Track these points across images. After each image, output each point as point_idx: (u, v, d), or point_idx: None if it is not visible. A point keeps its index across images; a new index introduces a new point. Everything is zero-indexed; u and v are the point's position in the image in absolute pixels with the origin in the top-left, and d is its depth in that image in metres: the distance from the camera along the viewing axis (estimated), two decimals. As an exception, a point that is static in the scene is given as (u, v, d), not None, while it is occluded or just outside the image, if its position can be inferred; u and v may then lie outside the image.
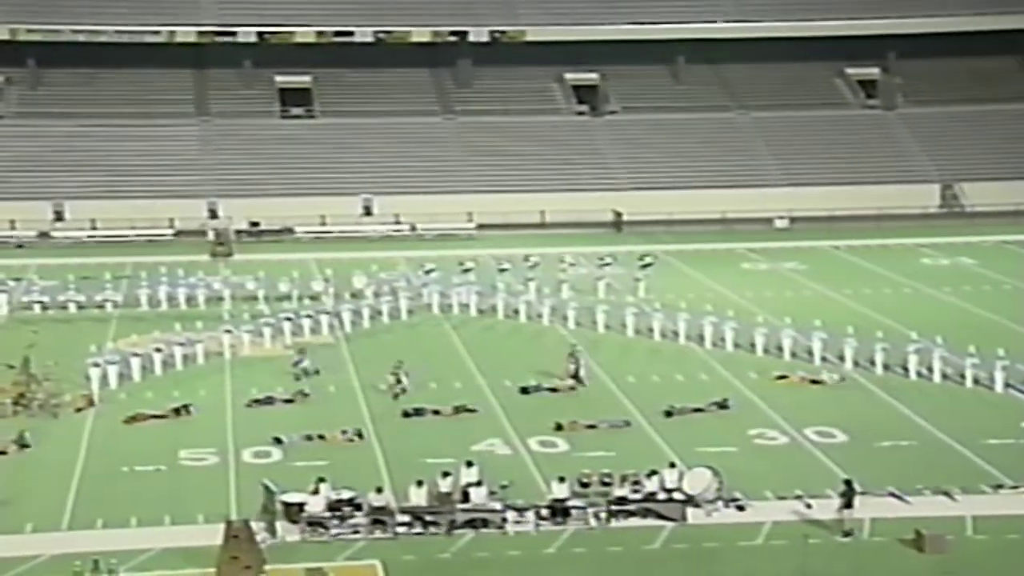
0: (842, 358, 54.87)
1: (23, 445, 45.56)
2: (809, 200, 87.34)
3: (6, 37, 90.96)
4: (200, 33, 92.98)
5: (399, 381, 47.34)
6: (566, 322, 61.55)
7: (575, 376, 51.53)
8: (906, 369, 53.70)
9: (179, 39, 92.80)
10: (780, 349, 56.39)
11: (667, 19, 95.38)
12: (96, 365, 52.13)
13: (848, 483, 38.68)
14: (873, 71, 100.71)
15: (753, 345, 56.98)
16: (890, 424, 48.00)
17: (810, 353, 55.63)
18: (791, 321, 57.97)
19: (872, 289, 69.33)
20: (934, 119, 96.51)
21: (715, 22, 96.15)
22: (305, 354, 53.50)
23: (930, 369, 53.36)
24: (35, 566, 36.13)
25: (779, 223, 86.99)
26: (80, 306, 64.08)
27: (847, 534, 37.86)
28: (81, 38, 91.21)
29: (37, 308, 63.99)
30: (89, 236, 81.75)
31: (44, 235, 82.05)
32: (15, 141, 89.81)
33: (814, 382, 53.02)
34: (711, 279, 71.22)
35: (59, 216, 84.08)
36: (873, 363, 54.16)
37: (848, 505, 38.21)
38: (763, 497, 40.54)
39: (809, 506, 39.76)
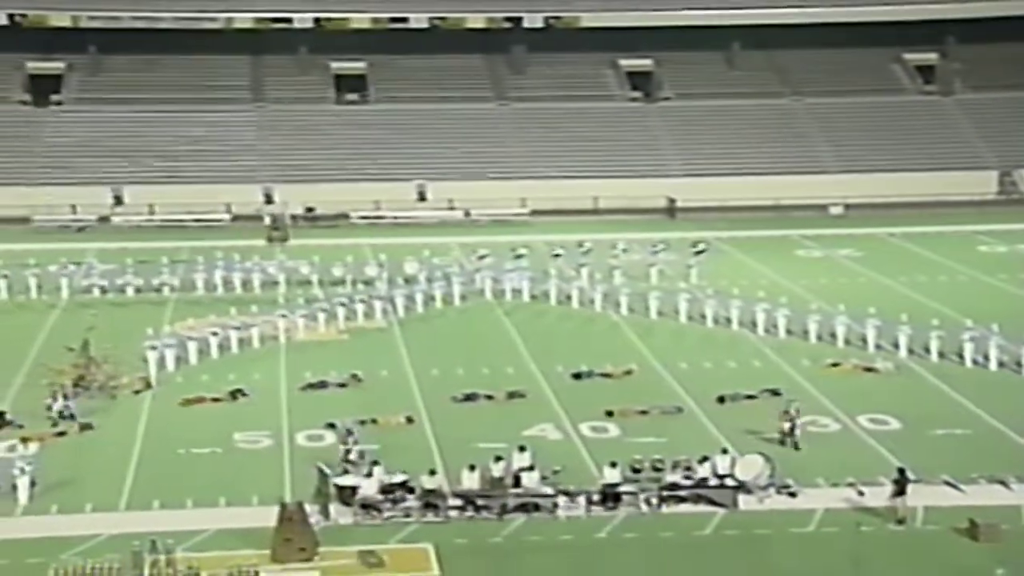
0: (896, 346, 54.63)
1: (84, 426, 46.12)
2: (864, 187, 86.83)
3: (68, 24, 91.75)
4: (257, 19, 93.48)
5: (348, 451, 41.46)
6: (618, 308, 61.54)
7: (789, 433, 44.07)
8: (962, 357, 53.42)
9: (236, 25, 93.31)
10: (833, 336, 56.18)
11: (722, 5, 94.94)
12: (153, 348, 52.59)
13: (901, 471, 38.56)
14: (931, 56, 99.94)
15: (806, 332, 56.79)
16: (945, 412, 47.75)
17: (864, 340, 55.44)
18: (845, 308, 57.62)
19: (927, 276, 68.94)
20: (993, 105, 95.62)
21: (770, 8, 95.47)
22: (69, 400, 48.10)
23: (986, 357, 53.07)
24: (95, 545, 36.54)
25: (834, 210, 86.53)
26: (138, 290, 64.55)
27: (900, 522, 37.75)
28: (141, 25, 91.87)
29: (96, 292, 64.50)
30: (147, 221, 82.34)
31: (104, 219, 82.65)
32: (76, 127, 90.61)
33: (868, 370, 52.82)
34: (764, 266, 70.98)
35: (118, 201, 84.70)
36: (928, 351, 53.93)
37: (901, 493, 38.10)
38: (815, 484, 40.47)
39: (861, 493, 39.63)
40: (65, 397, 47.03)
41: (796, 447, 43.25)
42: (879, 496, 39.01)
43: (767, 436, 43.90)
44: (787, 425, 43.77)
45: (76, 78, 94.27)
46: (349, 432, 42.08)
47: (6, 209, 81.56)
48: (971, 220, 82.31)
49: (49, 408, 46.53)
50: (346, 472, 39.52)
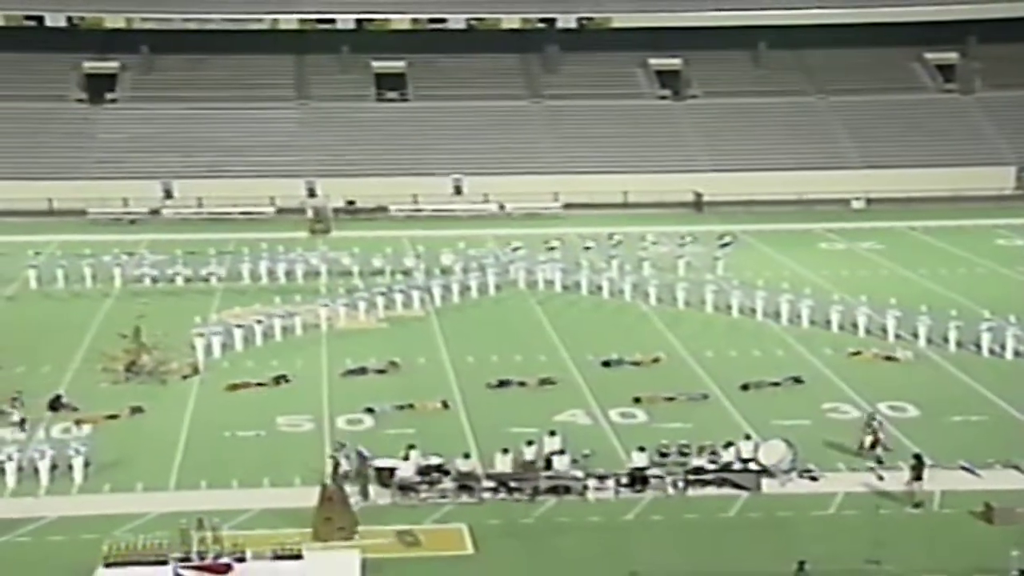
0: (916, 335, 54.42)
1: (135, 409, 46.35)
2: (886, 182, 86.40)
3: (122, 26, 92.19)
4: (301, 20, 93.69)
5: (337, 465, 39.56)
6: (647, 299, 61.46)
7: (871, 448, 41.45)
8: (979, 347, 53.19)
9: (282, 26, 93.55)
10: (855, 326, 55.97)
11: (749, 6, 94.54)
12: (201, 335, 52.80)
13: (918, 457, 38.48)
14: (952, 56, 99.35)
15: (828, 322, 56.60)
16: (962, 399, 47.57)
17: (884, 330, 55.24)
18: (866, 299, 57.35)
19: (947, 268, 68.58)
20: (1011, 103, 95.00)
21: (796, 8, 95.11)
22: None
23: (1003, 347, 52.83)
24: (145, 523, 36.84)
25: (856, 204, 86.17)
26: (187, 279, 64.76)
27: (917, 505, 37.68)
28: (191, 26, 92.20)
29: (147, 281, 64.72)
30: (195, 213, 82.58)
31: (154, 212, 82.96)
32: (128, 124, 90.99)
33: (888, 358, 52.64)
34: (788, 258, 70.74)
35: (168, 194, 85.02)
36: (946, 340, 53.69)
37: (918, 478, 38.03)
38: (835, 469, 40.41)
39: (881, 478, 39.57)
40: (21, 404, 45.42)
41: (879, 461, 40.56)
42: (898, 480, 38.99)
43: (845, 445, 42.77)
44: (869, 439, 41.31)
45: (129, 77, 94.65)
46: (341, 446, 40.62)
47: (63, 202, 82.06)
48: (989, 214, 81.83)
49: (9, 413, 45.15)
50: (345, 478, 38.03)
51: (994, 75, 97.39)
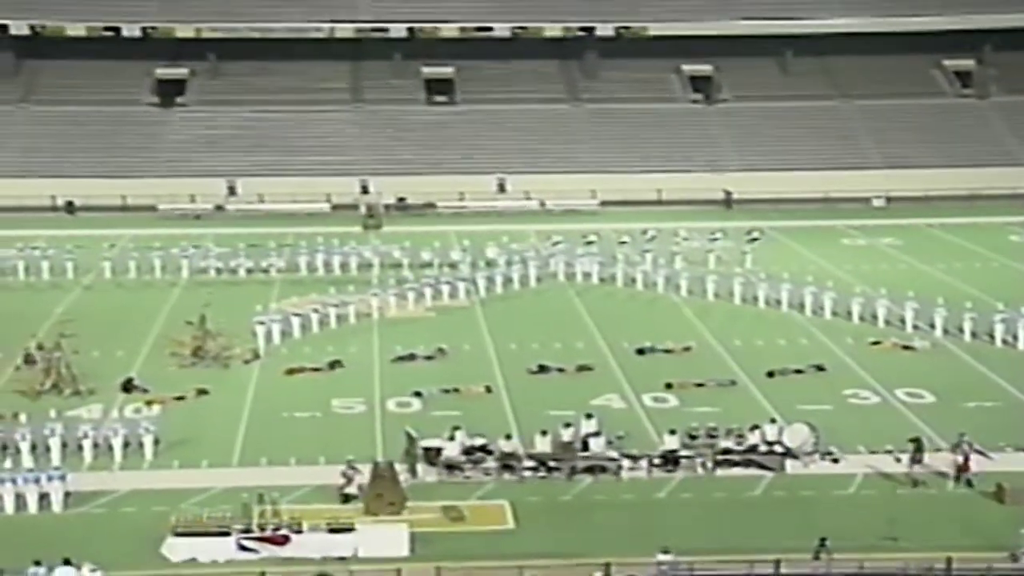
0: (933, 326, 54.09)
1: (200, 391, 46.61)
2: (906, 181, 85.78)
3: (191, 35, 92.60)
4: (357, 29, 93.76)
5: (412, 440, 38.98)
6: (679, 290, 61.30)
7: (963, 468, 38.19)
8: (992, 337, 52.81)
9: (339, 35, 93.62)
10: (875, 317, 55.63)
11: (777, 15, 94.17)
12: (261, 323, 53.00)
13: (917, 440, 38.38)
14: (968, 63, 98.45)
15: (850, 313, 56.30)
16: (976, 387, 47.29)
17: (903, 321, 54.92)
18: (886, 291, 57.05)
19: (963, 263, 68.06)
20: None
21: (821, 18, 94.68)
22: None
23: (1015, 337, 52.45)
24: (209, 497, 37.11)
25: (877, 202, 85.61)
26: (249, 271, 64.94)
27: (915, 485, 37.70)
28: (254, 35, 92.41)
29: (212, 272, 64.96)
30: (257, 209, 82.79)
31: (219, 208, 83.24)
32: (196, 126, 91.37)
33: (906, 348, 52.35)
34: (812, 253, 70.38)
35: (232, 191, 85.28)
36: (961, 331, 53.32)
37: (918, 461, 37.87)
38: (856, 451, 40.27)
39: (899, 460, 39.32)
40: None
41: (969, 484, 37.75)
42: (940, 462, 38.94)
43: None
44: (960, 459, 38.26)
45: (198, 82, 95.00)
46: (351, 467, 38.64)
47: (135, 198, 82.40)
48: (1003, 212, 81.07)
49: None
50: (347, 500, 36.83)
51: (1008, 81, 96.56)
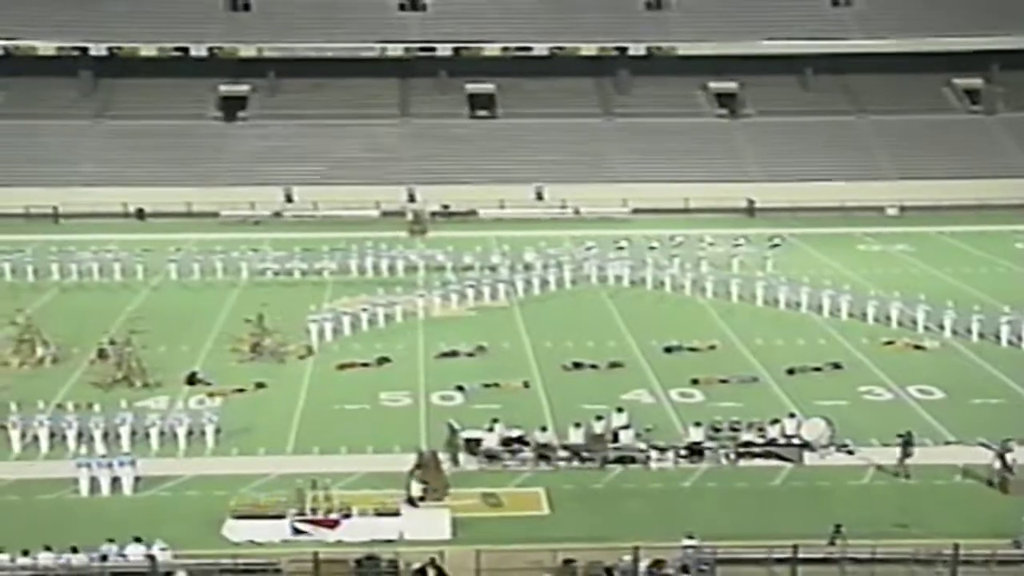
0: (942, 327, 53.67)
1: (258, 385, 46.79)
2: (918, 191, 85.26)
3: (252, 55, 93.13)
4: (406, 49, 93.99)
5: (454, 431, 39.25)
6: (704, 293, 61.11)
7: (1005, 468, 37.10)
8: (998, 337, 52.40)
9: (389, 54, 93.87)
10: (888, 319, 55.29)
11: (798, 36, 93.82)
12: (315, 321, 53.19)
13: (904, 435, 38.08)
14: (977, 81, 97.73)
15: (865, 315, 55.96)
16: (982, 384, 46.92)
17: (914, 322, 54.56)
18: (899, 295, 56.68)
19: (971, 268, 67.54)
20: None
21: (839, 39, 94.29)
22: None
23: (1019, 338, 52.03)
24: (267, 482, 37.25)
25: (890, 211, 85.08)
26: (303, 273, 65.08)
27: (905, 477, 37.39)
28: (311, 55, 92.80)
29: (269, 274, 65.17)
30: (311, 216, 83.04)
31: (277, 214, 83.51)
32: (256, 138, 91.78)
33: (917, 347, 52.00)
34: (830, 258, 69.98)
35: (289, 199, 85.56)
36: (969, 332, 52.95)
37: (907, 455, 37.68)
38: (869, 444, 39.98)
39: (910, 453, 39.03)
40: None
41: (1004, 477, 36.70)
42: (927, 454, 38.57)
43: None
44: (998, 464, 37.10)
45: (258, 98, 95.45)
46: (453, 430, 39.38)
47: (200, 205, 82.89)
48: (1009, 221, 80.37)
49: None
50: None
51: (1014, 99, 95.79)
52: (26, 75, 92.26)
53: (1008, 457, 37.41)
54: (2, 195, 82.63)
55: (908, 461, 37.70)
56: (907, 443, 37.92)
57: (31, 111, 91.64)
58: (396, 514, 34.13)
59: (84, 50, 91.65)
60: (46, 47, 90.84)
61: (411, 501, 34.99)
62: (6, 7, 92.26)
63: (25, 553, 31.90)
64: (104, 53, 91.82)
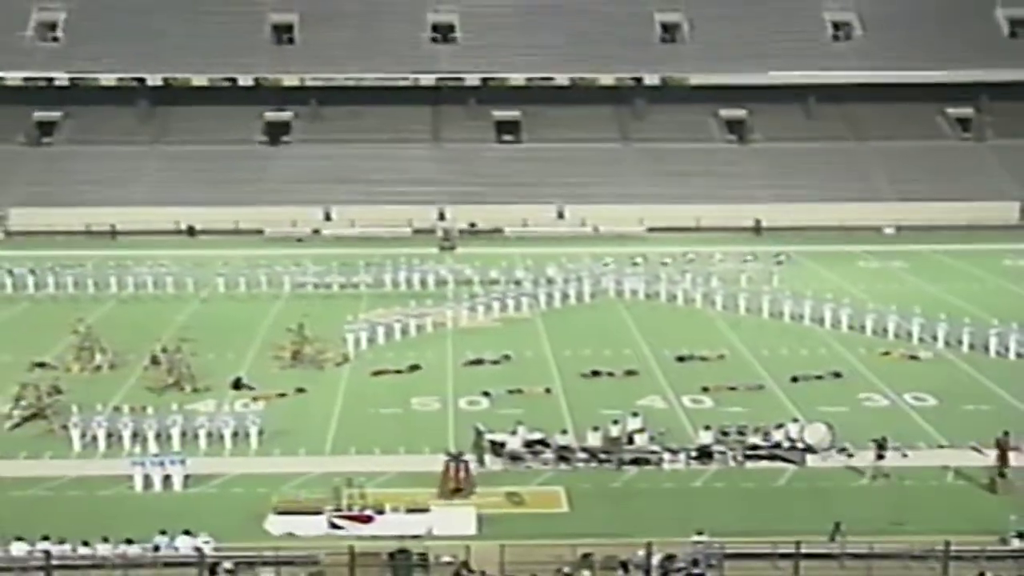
0: (935, 338, 53.39)
1: (299, 390, 46.84)
2: (913, 212, 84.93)
3: (296, 83, 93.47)
4: (437, 79, 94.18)
5: (480, 434, 39.29)
6: (714, 306, 60.93)
7: (1002, 461, 37.28)
8: (987, 348, 52.07)
9: (422, 83, 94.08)
10: (885, 330, 55.01)
11: (802, 68, 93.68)
12: (351, 331, 53.18)
13: (879, 440, 37.86)
14: (968, 111, 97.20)
15: (864, 327, 55.70)
16: (973, 392, 46.64)
17: (910, 334, 54.22)
18: (895, 308, 56.38)
19: (962, 284, 67.08)
20: (1016, 150, 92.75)
21: (841, 70, 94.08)
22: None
23: (1006, 348, 51.73)
24: (306, 480, 37.34)
25: (887, 230, 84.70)
26: (341, 286, 65.10)
27: (876, 478, 37.19)
28: (349, 83, 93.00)
29: (310, 287, 65.26)
30: (349, 233, 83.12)
31: (316, 232, 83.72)
32: (299, 161, 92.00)
33: (912, 357, 51.71)
34: (831, 274, 69.68)
35: (328, 217, 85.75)
36: (960, 343, 52.60)
37: (880, 457, 37.48)
38: (868, 448, 39.52)
39: (905, 455, 38.92)
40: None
41: (1001, 473, 36.73)
42: (921, 457, 38.40)
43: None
44: (997, 454, 37.19)
45: (300, 124, 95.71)
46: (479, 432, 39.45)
47: (246, 223, 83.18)
48: (997, 240, 79.93)
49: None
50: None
51: (1002, 127, 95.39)
52: (89, 104, 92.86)
53: (1010, 455, 37.24)
54: (65, 214, 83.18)
55: (881, 463, 37.55)
56: (880, 447, 37.75)
57: (93, 137, 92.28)
58: (425, 511, 34.13)
59: (142, 80, 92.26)
60: (108, 78, 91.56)
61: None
62: (74, 44, 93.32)
63: (85, 544, 32.08)
64: (160, 83, 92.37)
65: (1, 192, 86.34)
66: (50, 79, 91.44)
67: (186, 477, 37.33)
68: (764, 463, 38.76)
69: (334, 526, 33.86)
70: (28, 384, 44.41)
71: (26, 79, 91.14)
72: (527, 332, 56.27)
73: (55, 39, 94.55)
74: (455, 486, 35.87)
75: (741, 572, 31.43)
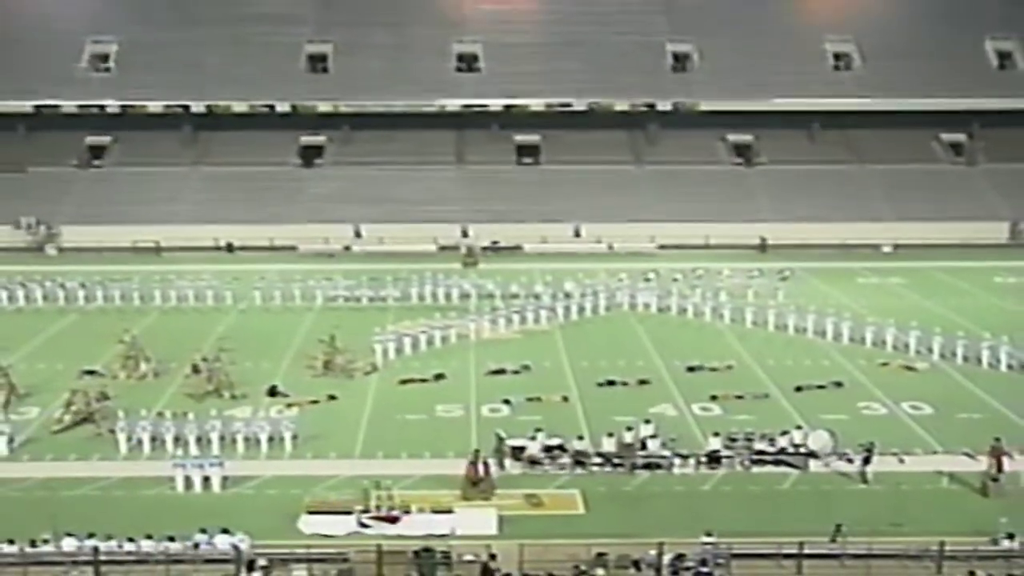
0: (931, 350, 53.08)
1: (330, 397, 46.85)
2: (909, 231, 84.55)
3: (329, 110, 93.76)
4: (462, 105, 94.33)
5: (501, 440, 39.42)
6: (722, 319, 60.71)
7: (998, 467, 37.13)
8: (980, 360, 51.75)
9: (447, 109, 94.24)
10: (884, 343, 54.74)
11: (806, 95, 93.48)
12: (380, 342, 53.18)
13: (868, 445, 37.73)
14: (961, 136, 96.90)
15: (863, 339, 55.43)
16: (966, 401, 46.37)
17: (907, 346, 53.94)
18: (893, 322, 56.14)
19: (956, 299, 66.69)
20: (1007, 173, 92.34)
21: (843, 97, 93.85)
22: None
23: (998, 360, 51.43)
24: (336, 482, 37.37)
25: (886, 248, 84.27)
26: (370, 299, 65.05)
27: (865, 482, 37.10)
28: (379, 110, 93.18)
29: (340, 300, 65.24)
30: (378, 249, 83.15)
31: (347, 248, 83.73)
32: (331, 182, 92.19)
33: (909, 368, 51.41)
34: (833, 289, 69.36)
35: (358, 235, 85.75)
36: (955, 355, 52.30)
37: (867, 462, 37.39)
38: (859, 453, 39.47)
39: (902, 460, 38.76)
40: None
41: (993, 478, 36.33)
42: (919, 462, 38.19)
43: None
44: (993, 463, 36.94)
45: (333, 148, 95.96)
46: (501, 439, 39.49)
47: (281, 240, 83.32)
48: (989, 258, 79.46)
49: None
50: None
51: (993, 152, 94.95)
52: (137, 129, 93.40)
53: (1004, 461, 37.01)
54: (113, 231, 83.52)
55: (868, 468, 37.45)
56: (868, 451, 37.56)
57: (140, 159, 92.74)
58: (449, 512, 34.07)
59: (186, 107, 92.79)
60: (155, 106, 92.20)
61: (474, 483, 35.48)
62: (124, 74, 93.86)
63: (130, 540, 32.14)
64: (203, 110, 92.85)
65: (54, 211, 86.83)
66: (102, 106, 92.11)
67: (224, 479, 37.38)
68: (770, 468, 38.62)
69: (363, 525, 33.85)
70: (78, 390, 44.61)
71: (80, 106, 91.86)
72: (546, 343, 56.16)
73: (107, 69, 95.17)
74: (475, 479, 35.84)
75: (747, 571, 31.31)
